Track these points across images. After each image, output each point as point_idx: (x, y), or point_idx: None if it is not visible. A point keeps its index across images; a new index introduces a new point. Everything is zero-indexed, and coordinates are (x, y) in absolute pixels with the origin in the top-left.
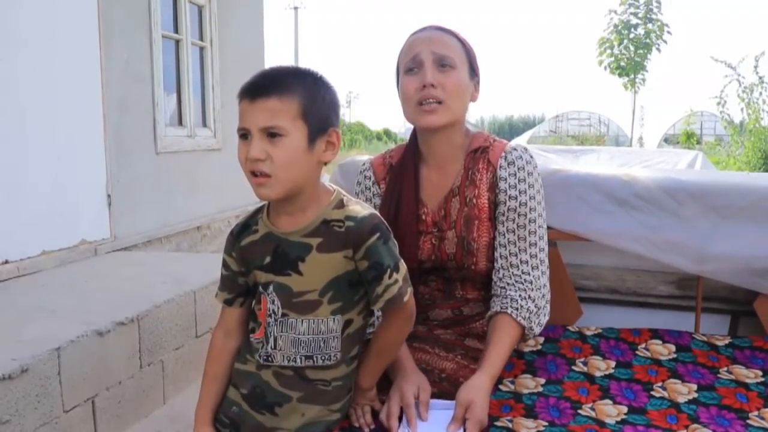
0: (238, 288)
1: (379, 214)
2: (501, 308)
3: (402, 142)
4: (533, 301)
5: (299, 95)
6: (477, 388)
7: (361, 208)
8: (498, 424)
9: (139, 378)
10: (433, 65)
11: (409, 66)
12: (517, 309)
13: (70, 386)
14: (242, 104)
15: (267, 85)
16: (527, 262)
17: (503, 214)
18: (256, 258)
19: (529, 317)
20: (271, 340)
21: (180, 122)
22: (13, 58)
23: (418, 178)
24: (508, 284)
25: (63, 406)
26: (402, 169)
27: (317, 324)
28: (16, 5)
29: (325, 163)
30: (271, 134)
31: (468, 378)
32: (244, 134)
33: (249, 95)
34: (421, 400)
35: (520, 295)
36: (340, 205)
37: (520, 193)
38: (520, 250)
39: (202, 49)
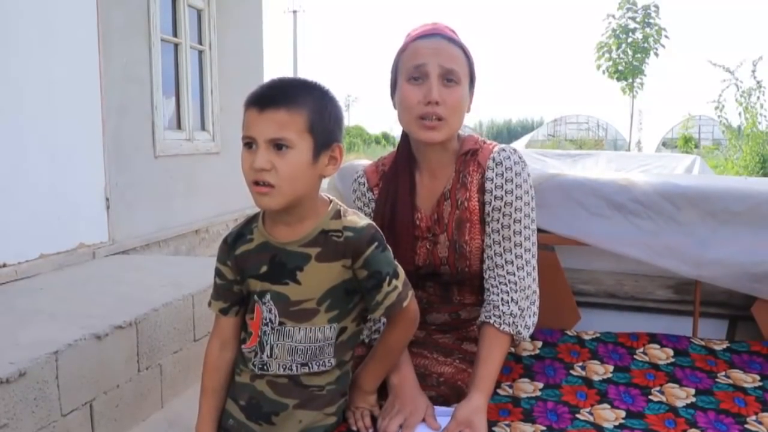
0: (234, 296)
1: (374, 225)
2: (485, 318)
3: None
4: (516, 303)
5: (308, 109)
6: (476, 410)
7: (358, 219)
8: (496, 429)
9: (137, 382)
10: (439, 79)
11: (413, 74)
12: (499, 317)
13: (68, 390)
14: (249, 113)
15: (276, 96)
16: (512, 262)
17: (489, 215)
18: (252, 267)
19: (513, 322)
20: (267, 348)
21: (179, 126)
22: (12, 61)
23: (413, 183)
24: (492, 286)
25: (61, 410)
26: (396, 175)
27: (314, 332)
28: (15, 8)
29: (325, 177)
30: (278, 146)
31: (466, 382)
32: (249, 143)
33: (257, 105)
34: (427, 413)
35: (502, 299)
36: (338, 215)
37: (506, 193)
38: (505, 251)
39: (201, 52)
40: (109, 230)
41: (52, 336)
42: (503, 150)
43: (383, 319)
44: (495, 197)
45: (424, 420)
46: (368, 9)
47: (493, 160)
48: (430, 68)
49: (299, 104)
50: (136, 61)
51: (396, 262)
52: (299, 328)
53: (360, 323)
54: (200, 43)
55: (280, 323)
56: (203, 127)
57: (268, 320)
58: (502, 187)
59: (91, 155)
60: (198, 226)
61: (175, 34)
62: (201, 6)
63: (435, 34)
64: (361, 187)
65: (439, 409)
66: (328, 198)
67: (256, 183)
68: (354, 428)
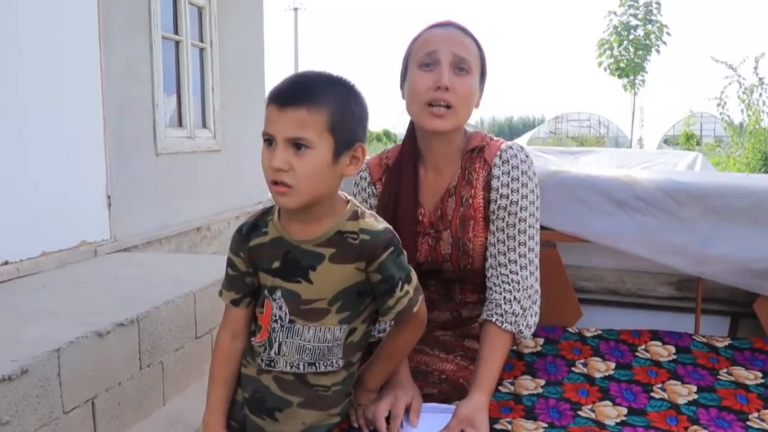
0: (246, 288)
1: (392, 228)
2: (487, 316)
3: (400, 143)
4: (519, 302)
5: (330, 108)
6: (478, 408)
7: (375, 222)
8: (497, 426)
9: (139, 379)
10: (450, 67)
11: (425, 61)
12: (501, 315)
13: (70, 387)
14: (270, 109)
15: (298, 93)
16: (515, 261)
17: (494, 213)
18: (264, 261)
19: (515, 321)
20: (276, 345)
21: (180, 123)
22: (12, 58)
23: (417, 178)
24: (494, 284)
25: (63, 407)
26: (400, 169)
27: (323, 332)
28: (15, 6)
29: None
30: (297, 145)
31: (468, 379)
32: (269, 140)
33: (278, 102)
34: (413, 407)
35: (504, 298)
36: (355, 216)
37: (512, 191)
38: (509, 250)
39: (202, 50)
40: (111, 228)
41: (54, 333)
42: (510, 148)
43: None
44: (501, 196)
45: (407, 411)
46: (369, 7)
47: (500, 157)
48: (442, 55)
49: (321, 103)
50: (137, 58)
51: (410, 267)
52: (309, 327)
53: (370, 324)
54: (201, 40)
55: (290, 321)
56: (204, 125)
57: (278, 317)
58: (508, 185)
59: (93, 153)
60: (199, 223)
61: (176, 32)
62: (202, 3)
63: (449, 24)
64: (362, 181)
65: (440, 406)
66: (346, 197)
67: (275, 182)
68: (355, 425)
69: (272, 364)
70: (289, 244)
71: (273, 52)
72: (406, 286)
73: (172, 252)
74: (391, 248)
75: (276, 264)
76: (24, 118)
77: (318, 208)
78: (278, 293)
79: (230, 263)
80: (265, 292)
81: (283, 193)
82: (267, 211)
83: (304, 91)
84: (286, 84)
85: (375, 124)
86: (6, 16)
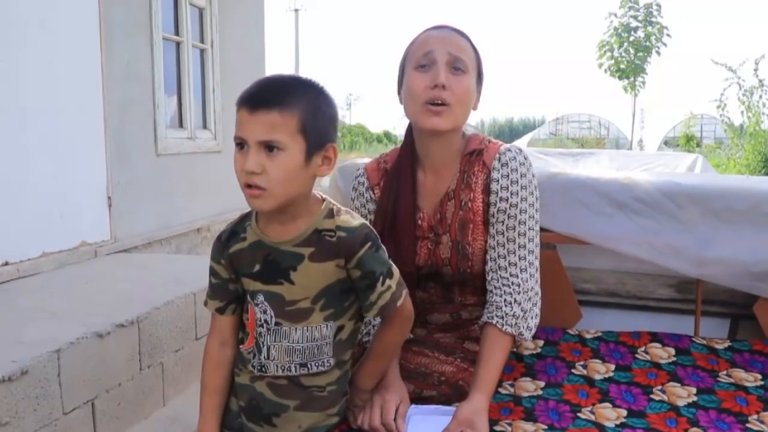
0: (230, 295)
1: (368, 224)
2: (487, 318)
3: (399, 145)
4: (519, 304)
5: (300, 110)
6: (478, 411)
7: (351, 218)
8: (497, 428)
9: (139, 380)
10: (446, 66)
11: (421, 62)
12: (502, 317)
13: (70, 388)
14: (241, 113)
15: (268, 97)
16: (516, 264)
17: (493, 216)
18: (245, 266)
19: (515, 323)
20: (264, 350)
21: (180, 124)
22: (13, 59)
23: (415, 182)
24: (495, 287)
25: (63, 408)
26: (398, 173)
27: (311, 331)
28: (16, 6)
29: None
30: (269, 147)
31: (468, 381)
32: (241, 144)
33: (249, 105)
34: (398, 413)
35: (505, 300)
36: (331, 214)
37: (511, 194)
38: (509, 252)
39: (202, 51)
40: (111, 228)
41: (54, 334)
42: (509, 150)
43: (374, 322)
44: (500, 198)
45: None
46: (370, 7)
47: (499, 160)
48: (438, 55)
49: (292, 105)
50: (138, 59)
51: (390, 261)
52: (296, 328)
53: (358, 321)
54: (202, 41)
55: (277, 324)
56: (205, 126)
57: (263, 321)
58: (507, 188)
59: (93, 153)
60: (199, 224)
61: (177, 33)
62: (203, 4)
63: (444, 27)
64: (360, 186)
65: (440, 408)
66: (321, 196)
67: (248, 185)
68: (354, 426)
69: (263, 369)
70: (268, 246)
71: (274, 53)
72: (387, 281)
73: (172, 253)
74: (369, 243)
75: (257, 267)
76: (24, 118)
77: (293, 208)
78: (260, 297)
79: (212, 272)
80: (248, 297)
81: (257, 196)
82: (245, 217)
83: (275, 93)
84: (257, 88)
85: (375, 125)
86: (6, 16)
